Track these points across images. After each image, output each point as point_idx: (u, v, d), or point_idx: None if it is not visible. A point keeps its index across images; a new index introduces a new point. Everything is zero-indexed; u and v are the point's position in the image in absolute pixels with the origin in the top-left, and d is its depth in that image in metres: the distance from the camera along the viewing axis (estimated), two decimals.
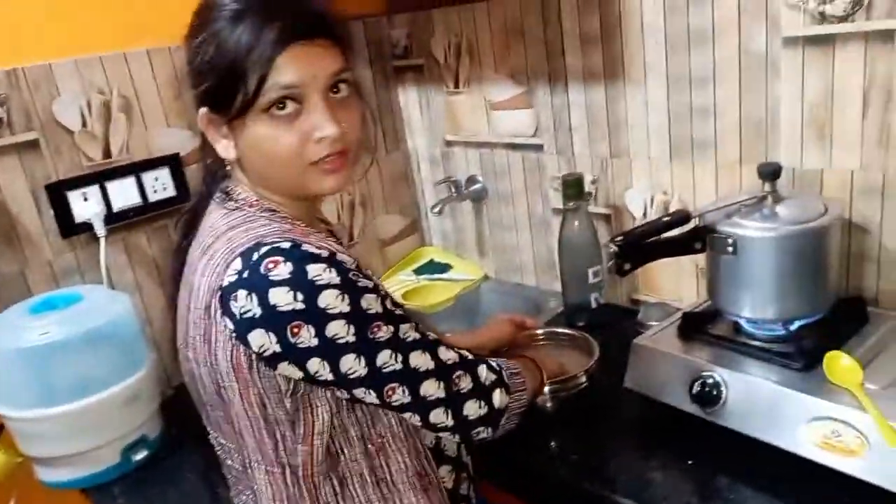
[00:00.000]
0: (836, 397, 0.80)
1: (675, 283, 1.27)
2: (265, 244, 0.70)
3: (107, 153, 1.23)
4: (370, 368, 0.71)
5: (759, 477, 0.85)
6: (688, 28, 1.10)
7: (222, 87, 0.72)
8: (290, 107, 0.72)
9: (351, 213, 1.59)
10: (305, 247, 0.70)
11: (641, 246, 0.96)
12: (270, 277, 0.68)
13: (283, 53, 0.70)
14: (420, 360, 0.75)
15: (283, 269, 0.68)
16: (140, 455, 1.11)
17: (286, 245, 0.70)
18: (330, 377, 0.71)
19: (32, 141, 1.15)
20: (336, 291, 0.69)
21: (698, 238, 0.96)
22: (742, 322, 0.97)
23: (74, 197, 1.19)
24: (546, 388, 0.98)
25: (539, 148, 1.39)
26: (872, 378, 0.82)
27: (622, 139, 1.25)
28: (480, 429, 0.81)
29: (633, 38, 1.17)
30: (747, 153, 1.10)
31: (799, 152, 1.05)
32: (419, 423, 0.77)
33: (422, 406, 0.76)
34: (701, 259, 1.00)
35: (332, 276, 0.69)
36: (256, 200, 0.78)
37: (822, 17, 0.96)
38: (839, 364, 0.84)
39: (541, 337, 1.18)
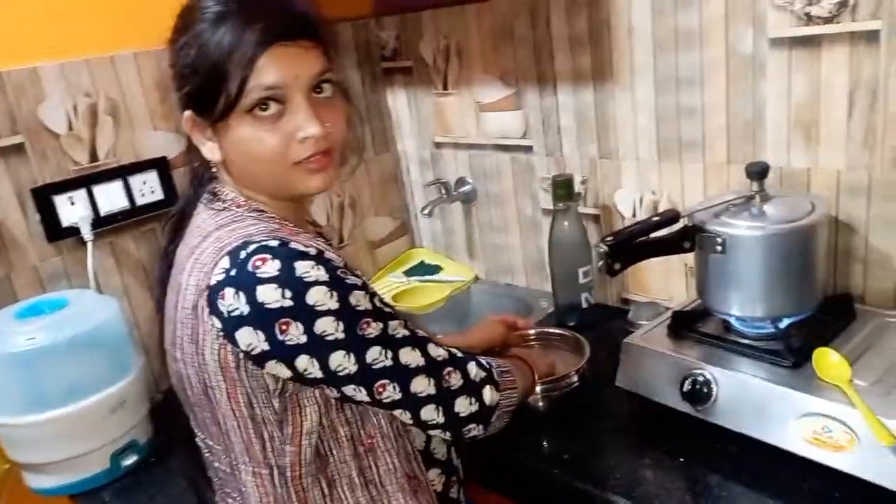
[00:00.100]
0: (826, 394, 0.81)
1: (664, 282, 1.28)
2: (253, 242, 0.70)
3: (93, 157, 1.22)
4: (360, 365, 0.71)
5: (749, 473, 0.86)
6: (675, 29, 1.11)
7: (205, 89, 0.72)
8: (274, 107, 0.72)
9: (340, 215, 1.58)
10: (293, 245, 0.70)
11: (631, 245, 0.96)
12: (258, 275, 0.68)
13: (264, 54, 0.70)
14: (410, 356, 0.75)
15: (271, 267, 0.68)
16: (130, 460, 1.10)
17: (274, 243, 0.69)
18: (319, 375, 0.70)
19: (18, 145, 1.13)
20: (324, 288, 0.69)
21: (687, 237, 0.96)
22: (731, 320, 0.97)
23: (61, 201, 1.17)
24: (538, 388, 0.98)
25: (528, 149, 1.39)
26: (861, 374, 0.83)
27: (611, 140, 1.26)
28: (471, 426, 0.81)
29: (620, 40, 1.18)
30: (735, 153, 1.11)
31: (786, 152, 1.06)
32: (410, 421, 0.77)
33: (413, 403, 0.76)
34: (690, 258, 1.01)
35: (320, 274, 0.69)
36: (244, 201, 0.78)
37: (808, 19, 0.97)
38: (828, 361, 0.85)
39: (532, 337, 1.18)
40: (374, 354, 0.72)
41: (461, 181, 1.54)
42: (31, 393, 1.01)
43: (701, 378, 0.90)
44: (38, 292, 1.16)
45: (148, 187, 1.27)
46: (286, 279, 0.68)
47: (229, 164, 0.78)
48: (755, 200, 0.96)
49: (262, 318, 0.68)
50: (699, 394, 0.90)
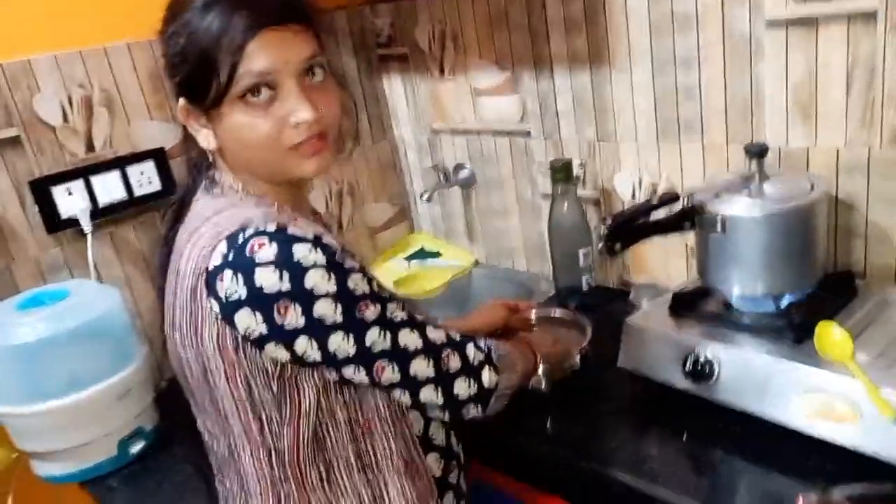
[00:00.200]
0: (828, 369, 0.82)
1: (664, 263, 1.28)
2: (251, 227, 0.70)
3: (90, 148, 1.21)
4: (359, 347, 0.72)
5: (753, 450, 0.87)
6: (671, 11, 1.10)
7: (196, 77, 0.72)
8: (265, 93, 0.72)
9: (339, 202, 1.58)
10: (291, 229, 0.70)
11: (631, 226, 0.97)
12: (256, 259, 0.68)
13: (253, 40, 0.70)
14: (409, 338, 0.75)
15: (269, 251, 0.68)
16: (137, 447, 1.10)
17: (272, 227, 0.70)
18: (318, 357, 0.71)
19: (14, 137, 1.13)
20: (322, 271, 0.69)
21: (687, 218, 0.97)
22: (732, 299, 0.98)
23: (59, 192, 1.17)
24: (540, 370, 0.99)
25: (526, 133, 1.39)
26: (863, 350, 0.83)
27: (609, 123, 1.26)
28: (470, 407, 0.82)
29: (617, 23, 1.17)
30: (734, 134, 1.11)
31: (785, 132, 1.06)
32: (409, 402, 0.78)
33: (412, 384, 0.76)
34: (690, 239, 1.01)
35: (318, 257, 0.69)
36: (242, 187, 0.78)
37: None
38: (830, 336, 0.85)
39: (534, 320, 1.19)
40: (373, 336, 0.73)
41: (459, 166, 1.54)
42: (35, 383, 1.01)
43: (703, 356, 0.91)
44: (39, 283, 1.16)
45: (146, 178, 1.26)
46: (284, 262, 0.68)
47: (225, 151, 0.78)
48: (755, 180, 0.96)
49: (260, 301, 0.68)
50: (701, 372, 0.91)
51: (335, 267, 0.70)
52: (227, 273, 0.69)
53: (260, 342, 0.70)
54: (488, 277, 1.57)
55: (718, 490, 0.84)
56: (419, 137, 1.61)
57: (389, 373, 0.74)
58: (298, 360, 0.71)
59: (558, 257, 1.32)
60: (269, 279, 0.68)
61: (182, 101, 0.76)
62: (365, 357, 0.73)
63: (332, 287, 0.69)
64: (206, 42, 0.70)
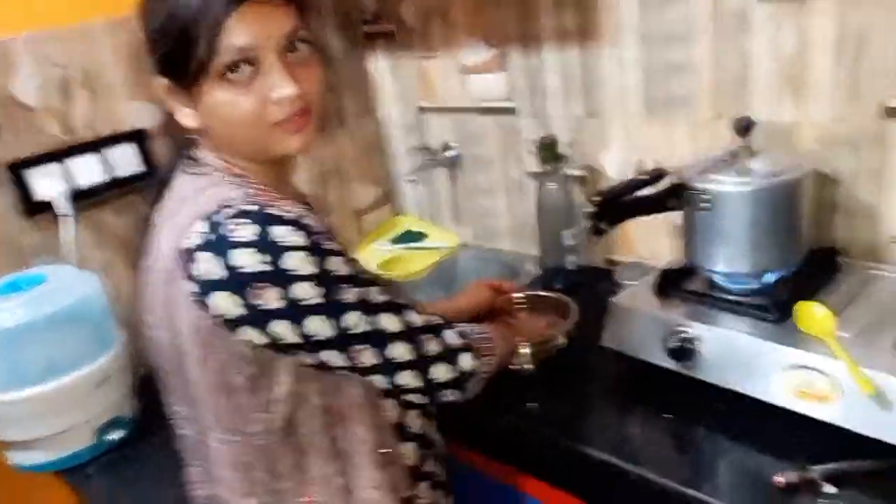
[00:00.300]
0: (810, 346, 0.81)
1: (650, 242, 1.27)
2: (230, 207, 0.69)
3: (69, 130, 1.19)
4: (337, 330, 0.71)
5: (736, 428, 0.86)
6: None
7: (176, 53, 0.70)
8: (247, 69, 0.70)
9: (324, 183, 1.56)
10: (271, 210, 0.69)
11: (618, 204, 0.96)
12: (233, 239, 0.67)
13: (233, 14, 0.68)
14: (388, 322, 0.74)
15: (248, 231, 0.67)
16: (115, 435, 1.09)
17: (251, 208, 0.68)
18: (295, 340, 0.70)
19: None
20: (302, 253, 0.68)
21: (674, 195, 0.96)
22: (717, 277, 0.97)
23: (37, 176, 1.15)
24: (526, 350, 0.98)
25: (513, 111, 1.37)
26: (845, 326, 0.83)
27: (597, 100, 1.24)
28: (447, 392, 0.81)
29: None
30: (722, 109, 1.09)
31: (773, 106, 1.04)
32: (387, 386, 0.76)
33: (390, 368, 0.75)
34: (676, 218, 1.00)
35: (297, 239, 0.68)
36: (224, 166, 0.77)
37: None
38: (812, 314, 0.84)
39: (520, 300, 1.18)
40: (352, 320, 0.71)
41: (446, 146, 1.52)
42: (12, 369, 1.00)
43: (686, 335, 0.90)
44: (17, 269, 1.14)
45: (126, 159, 1.24)
46: (262, 243, 0.67)
47: (207, 129, 0.76)
48: (742, 156, 0.95)
49: (236, 282, 0.67)
50: (685, 351, 0.90)
51: (315, 249, 0.69)
52: (204, 254, 0.67)
53: (235, 324, 0.68)
54: (474, 259, 1.56)
55: (701, 468, 0.83)
56: (405, 116, 1.59)
57: (367, 356, 0.73)
58: (274, 344, 0.70)
59: (544, 237, 1.31)
60: (247, 260, 0.66)
61: (162, 79, 0.74)
62: (343, 340, 0.72)
63: (311, 269, 0.68)
64: (185, 17, 0.68)
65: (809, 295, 0.88)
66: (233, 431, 0.75)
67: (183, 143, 0.81)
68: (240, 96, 0.71)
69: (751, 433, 0.85)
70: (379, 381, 0.76)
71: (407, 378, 0.77)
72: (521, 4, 1.27)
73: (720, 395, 0.88)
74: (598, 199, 0.93)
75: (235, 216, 0.68)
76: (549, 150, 1.25)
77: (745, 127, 0.94)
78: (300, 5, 0.74)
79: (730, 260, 0.94)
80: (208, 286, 0.67)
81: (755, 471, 0.80)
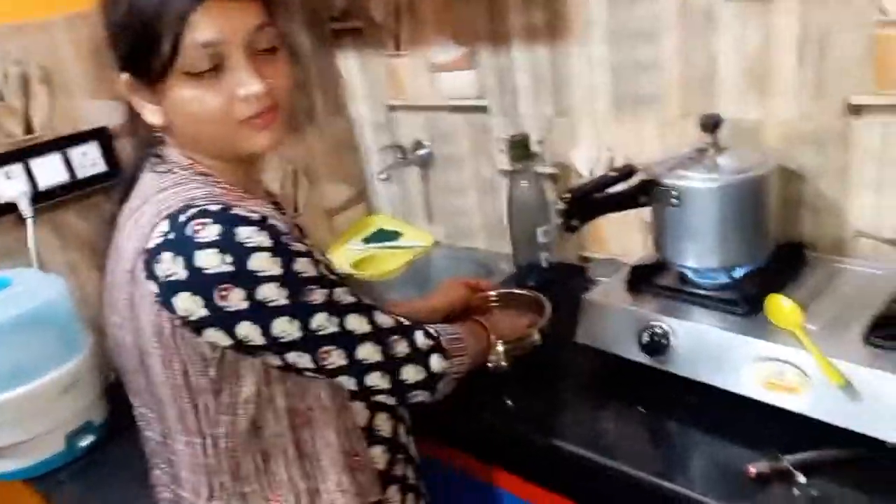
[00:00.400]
0: (779, 338, 0.83)
1: (622, 239, 1.28)
2: (194, 206, 0.68)
3: (28, 129, 1.16)
4: (304, 332, 0.70)
5: (708, 419, 0.88)
6: None
7: (139, 49, 0.69)
8: (212, 65, 0.69)
9: (294, 183, 1.55)
10: (236, 210, 0.68)
11: (589, 201, 0.96)
12: (197, 239, 0.65)
13: (197, 9, 0.67)
14: (356, 323, 0.74)
15: (211, 231, 0.66)
16: (86, 441, 1.07)
17: (215, 208, 0.67)
18: (261, 342, 0.69)
19: None
20: (267, 254, 0.67)
21: (644, 191, 0.97)
22: (687, 272, 0.98)
23: None
24: (501, 348, 0.98)
25: (484, 110, 1.38)
26: (812, 319, 0.85)
27: (567, 98, 1.25)
28: (417, 392, 0.80)
29: None
30: (690, 107, 1.11)
31: (739, 104, 1.06)
32: (355, 388, 0.76)
33: (358, 370, 0.74)
34: (647, 214, 1.01)
35: (262, 239, 0.67)
36: (189, 164, 0.75)
37: None
38: (780, 306, 0.86)
39: (494, 298, 1.18)
40: (320, 321, 0.70)
41: (417, 144, 1.52)
42: None
43: (658, 329, 0.91)
44: None
45: (89, 159, 1.21)
46: (227, 244, 0.65)
47: (172, 126, 0.74)
48: (709, 152, 0.96)
49: (200, 283, 0.66)
50: (657, 345, 0.91)
51: (281, 250, 0.68)
52: (167, 255, 0.66)
53: (199, 326, 0.67)
54: (448, 258, 1.55)
55: (675, 460, 0.85)
56: (376, 115, 1.58)
57: (335, 357, 0.72)
58: (239, 346, 0.69)
59: (517, 235, 1.32)
60: (211, 261, 0.65)
61: (125, 75, 0.72)
62: (310, 342, 0.71)
63: (277, 270, 0.67)
64: (147, 12, 0.67)
65: (778, 289, 0.90)
66: (197, 433, 0.73)
67: (148, 141, 0.79)
68: (206, 93, 0.70)
69: (723, 425, 0.86)
70: (347, 382, 0.75)
71: (376, 379, 0.76)
72: (490, 1, 1.27)
73: (692, 388, 0.89)
74: (569, 196, 0.94)
75: (199, 216, 0.67)
76: (520, 149, 1.26)
77: (712, 124, 0.96)
78: (267, 1, 0.73)
79: (699, 255, 0.96)
80: (171, 287, 0.66)
81: (728, 462, 0.81)
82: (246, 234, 0.66)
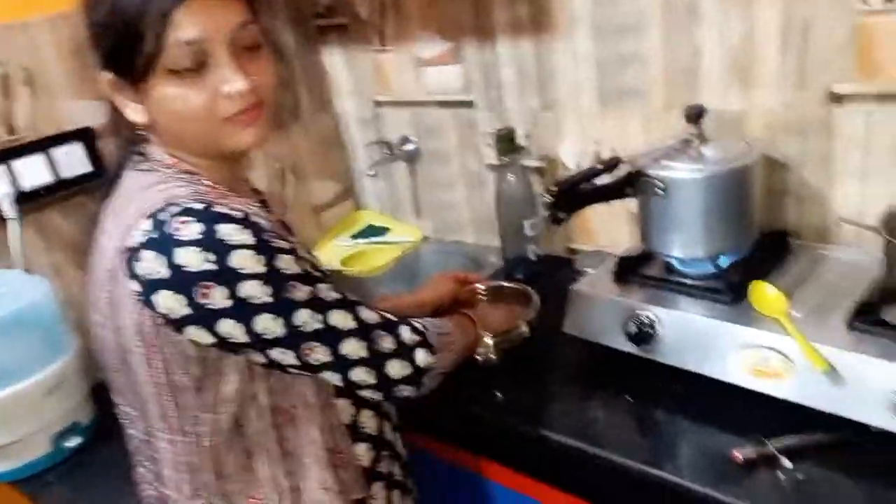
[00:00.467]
0: (764, 326, 0.84)
1: (609, 230, 1.29)
2: (176, 205, 0.67)
3: (10, 130, 1.15)
4: (288, 329, 0.70)
5: (695, 407, 0.88)
6: None
7: (121, 48, 0.68)
8: (196, 63, 0.68)
9: (282, 180, 1.54)
10: (218, 208, 0.67)
11: (575, 193, 0.96)
12: (178, 238, 0.65)
13: (180, 7, 0.66)
14: (340, 319, 0.73)
15: (193, 230, 0.65)
16: (73, 442, 1.06)
17: (198, 206, 0.67)
18: (244, 339, 0.68)
19: None
20: (250, 252, 0.67)
21: (630, 183, 0.97)
22: (673, 262, 0.99)
23: None
24: (489, 341, 0.99)
25: (470, 104, 1.38)
26: (797, 305, 0.85)
27: (552, 91, 1.25)
28: (402, 387, 0.80)
29: None
30: (674, 99, 1.11)
31: (723, 95, 1.07)
32: (340, 383, 0.75)
33: (343, 365, 0.74)
34: (633, 205, 1.02)
35: (244, 237, 0.67)
36: (173, 162, 0.75)
37: None
38: (765, 294, 0.87)
39: (482, 291, 1.18)
40: (303, 317, 0.70)
41: (404, 140, 1.52)
42: None
43: (645, 319, 0.92)
44: None
45: (73, 159, 1.20)
46: (208, 242, 0.65)
47: (156, 125, 0.74)
48: (694, 143, 0.97)
49: (182, 281, 0.65)
50: (643, 334, 0.92)
51: (263, 247, 0.68)
52: (148, 253, 0.66)
53: (181, 324, 0.67)
54: (436, 252, 1.55)
55: (662, 448, 0.85)
56: (362, 111, 1.58)
57: (319, 354, 0.72)
58: (222, 344, 0.69)
59: (505, 228, 1.32)
60: (192, 259, 0.65)
61: (108, 74, 0.72)
62: (294, 338, 0.70)
63: (259, 268, 0.67)
64: (130, 11, 0.66)
65: (762, 276, 0.91)
66: (179, 431, 0.73)
67: (131, 140, 0.78)
68: (190, 91, 0.69)
69: (709, 412, 0.87)
70: (332, 378, 0.75)
71: (361, 374, 0.76)
72: None
73: (679, 377, 0.90)
74: (555, 188, 0.94)
75: (181, 214, 0.66)
76: (506, 143, 1.26)
77: (696, 115, 0.96)
78: None
79: (685, 245, 0.96)
80: (152, 285, 0.66)
81: (715, 448, 0.82)
82: (227, 232, 0.66)
